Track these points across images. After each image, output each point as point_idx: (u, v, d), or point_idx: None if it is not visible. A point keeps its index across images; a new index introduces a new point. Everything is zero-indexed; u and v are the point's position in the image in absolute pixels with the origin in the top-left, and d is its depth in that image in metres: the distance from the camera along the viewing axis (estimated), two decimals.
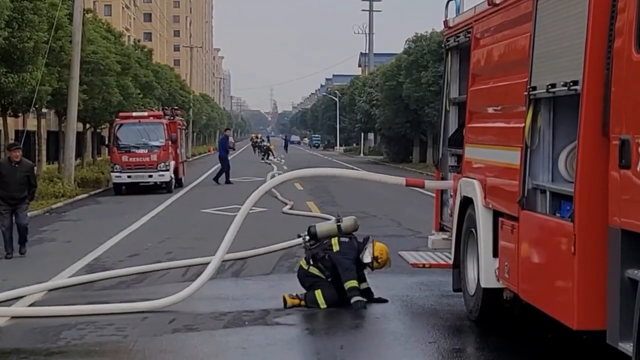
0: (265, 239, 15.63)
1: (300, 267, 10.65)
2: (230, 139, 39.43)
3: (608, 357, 6.95)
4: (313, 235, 10.64)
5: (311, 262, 10.49)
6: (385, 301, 10.34)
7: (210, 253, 14.78)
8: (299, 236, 10.94)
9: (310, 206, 23.93)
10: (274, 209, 21.99)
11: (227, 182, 34.12)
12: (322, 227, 10.74)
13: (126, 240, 16.44)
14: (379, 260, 10.42)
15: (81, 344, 8.70)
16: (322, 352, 8.37)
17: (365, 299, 10.16)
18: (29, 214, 22.00)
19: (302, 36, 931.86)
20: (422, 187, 11.10)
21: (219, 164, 35.52)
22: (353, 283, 10.15)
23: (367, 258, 10.39)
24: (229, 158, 36.16)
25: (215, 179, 34.87)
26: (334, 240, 10.46)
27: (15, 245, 14.66)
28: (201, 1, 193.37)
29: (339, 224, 10.65)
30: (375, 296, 10.41)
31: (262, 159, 60.06)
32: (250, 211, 11.02)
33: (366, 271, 10.57)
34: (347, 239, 10.50)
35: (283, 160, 60.27)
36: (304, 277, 10.50)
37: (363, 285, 10.38)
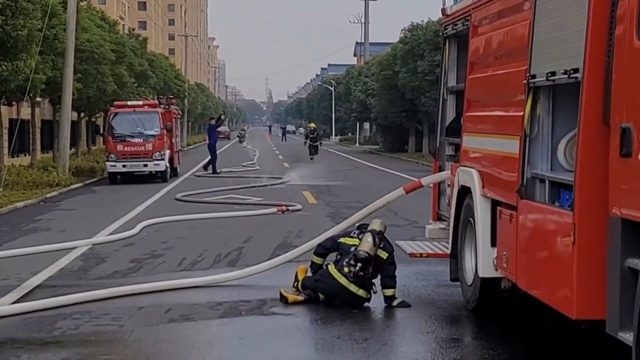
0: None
1: (344, 288, 9.58)
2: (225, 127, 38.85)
3: (607, 346, 6.93)
4: (366, 260, 9.62)
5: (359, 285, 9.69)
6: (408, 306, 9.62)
7: (206, 242, 14.83)
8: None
9: (305, 196, 23.90)
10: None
11: (214, 172, 33.95)
12: (368, 247, 9.68)
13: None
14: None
15: (76, 333, 8.64)
16: (319, 342, 8.33)
17: (406, 301, 9.65)
18: (24, 202, 22.11)
19: (297, 25, 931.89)
20: (421, 186, 10.96)
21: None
22: (391, 292, 9.65)
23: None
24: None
25: (205, 167, 34.78)
26: (380, 252, 9.76)
27: None
28: None
29: (379, 235, 9.76)
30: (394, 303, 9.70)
31: (311, 151, 56.12)
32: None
33: None
34: (386, 241, 9.88)
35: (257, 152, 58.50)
36: (336, 290, 9.64)
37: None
